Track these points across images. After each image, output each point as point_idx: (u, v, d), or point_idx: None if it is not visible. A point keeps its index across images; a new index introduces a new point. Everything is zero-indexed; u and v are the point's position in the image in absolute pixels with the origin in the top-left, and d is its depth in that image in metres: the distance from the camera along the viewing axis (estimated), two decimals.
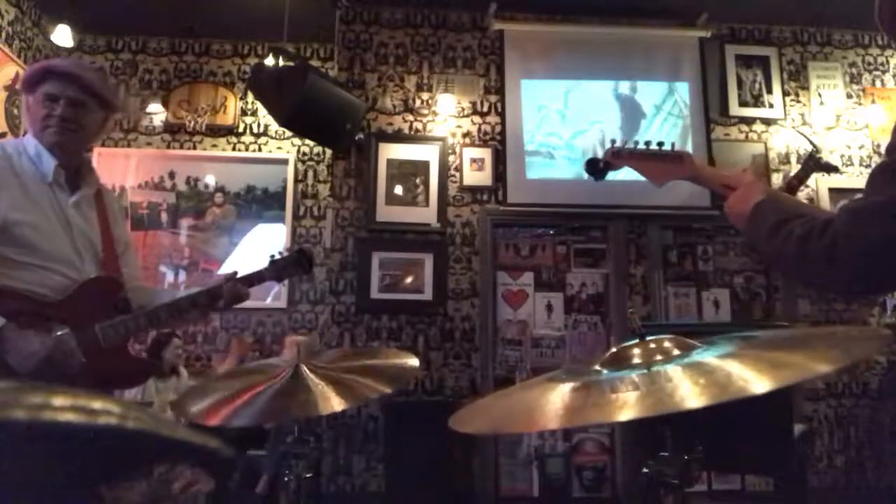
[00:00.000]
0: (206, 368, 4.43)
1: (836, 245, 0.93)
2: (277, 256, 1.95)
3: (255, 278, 1.91)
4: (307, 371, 1.49)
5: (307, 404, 1.37)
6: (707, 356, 0.87)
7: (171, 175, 4.80)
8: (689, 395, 0.75)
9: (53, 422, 0.34)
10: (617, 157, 1.57)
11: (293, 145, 4.88)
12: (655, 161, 1.54)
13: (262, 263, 1.96)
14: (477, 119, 4.34)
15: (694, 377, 0.79)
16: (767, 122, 4.52)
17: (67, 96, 1.72)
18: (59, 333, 1.60)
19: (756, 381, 0.73)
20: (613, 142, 1.59)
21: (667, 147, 1.56)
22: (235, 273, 1.89)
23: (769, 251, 1.10)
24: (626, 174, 1.73)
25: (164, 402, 3.55)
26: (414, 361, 1.55)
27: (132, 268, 1.94)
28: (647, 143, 1.55)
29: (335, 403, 1.36)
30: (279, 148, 4.89)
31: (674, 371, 0.83)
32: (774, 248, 1.07)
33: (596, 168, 1.60)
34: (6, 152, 1.71)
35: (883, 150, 1.02)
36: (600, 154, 1.65)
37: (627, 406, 0.77)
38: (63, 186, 1.74)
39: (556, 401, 0.87)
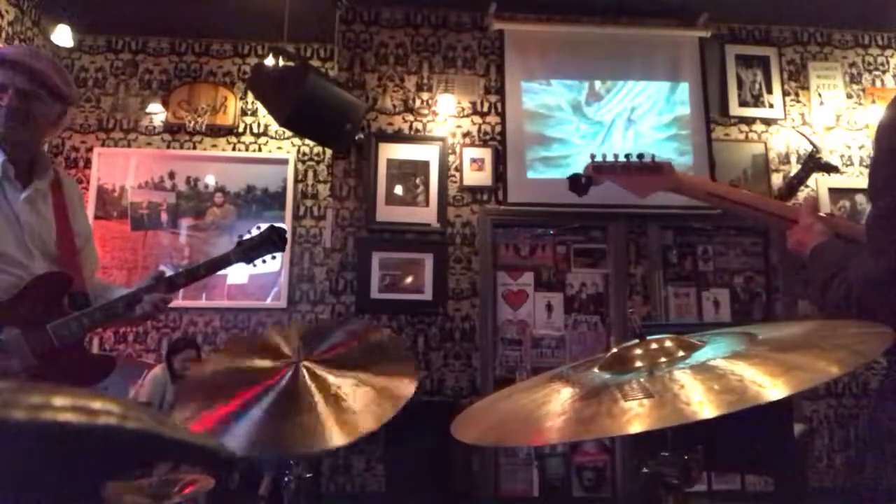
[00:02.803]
0: None
1: (861, 310, 1.13)
2: (247, 237, 1.84)
3: (222, 262, 1.81)
4: (306, 374, 1.41)
5: (305, 432, 1.26)
6: (711, 355, 0.87)
7: (171, 175, 4.80)
8: (706, 402, 0.73)
9: (53, 422, 0.34)
10: (598, 171, 1.54)
11: (293, 145, 4.88)
12: (637, 174, 1.52)
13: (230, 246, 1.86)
14: (477, 119, 4.34)
15: (707, 382, 0.77)
16: (767, 122, 4.52)
17: (16, 86, 1.59)
18: (4, 337, 1.54)
19: (771, 387, 0.73)
20: (593, 156, 1.56)
21: (647, 159, 1.53)
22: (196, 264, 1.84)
23: (824, 300, 1.27)
24: None
25: None
26: (410, 388, 1.42)
27: (92, 261, 1.85)
28: (627, 156, 1.53)
29: (335, 436, 1.24)
30: (279, 148, 4.89)
31: (683, 375, 0.81)
32: (828, 300, 1.25)
33: (578, 185, 1.57)
34: None
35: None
36: (599, 155, 1.63)
37: (643, 416, 0.75)
38: (13, 182, 1.64)
39: (565, 410, 0.84)
